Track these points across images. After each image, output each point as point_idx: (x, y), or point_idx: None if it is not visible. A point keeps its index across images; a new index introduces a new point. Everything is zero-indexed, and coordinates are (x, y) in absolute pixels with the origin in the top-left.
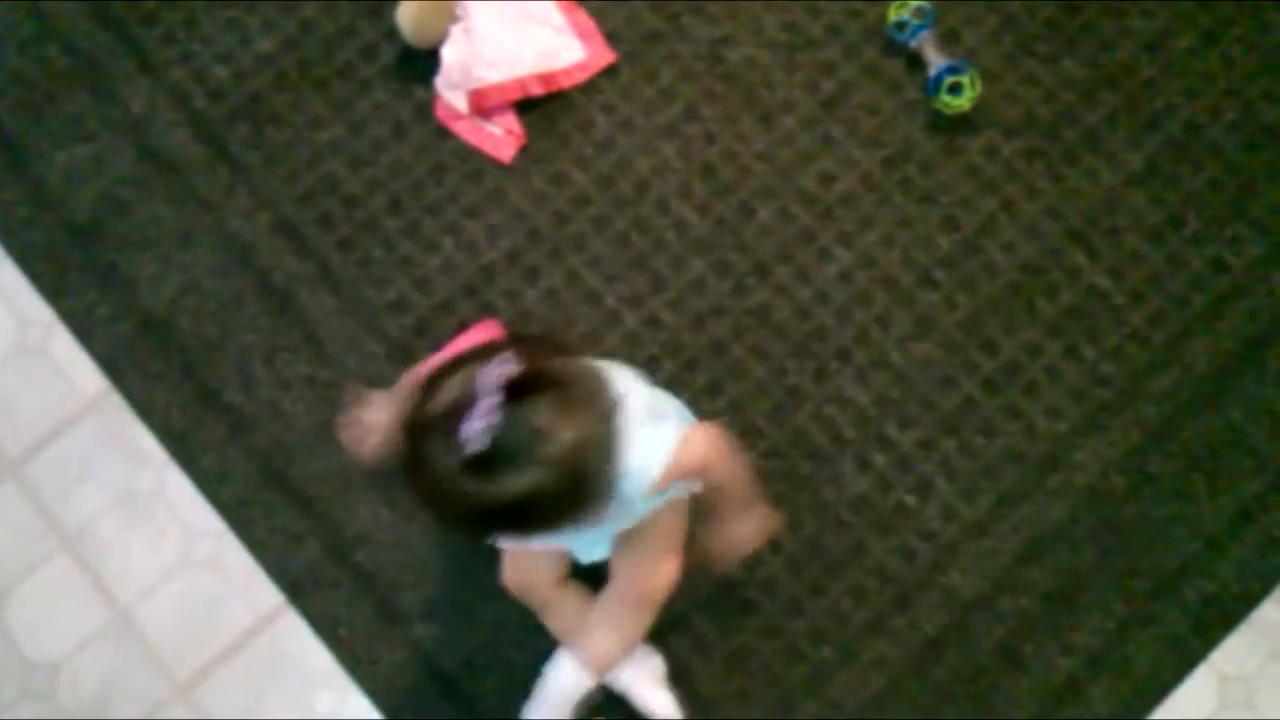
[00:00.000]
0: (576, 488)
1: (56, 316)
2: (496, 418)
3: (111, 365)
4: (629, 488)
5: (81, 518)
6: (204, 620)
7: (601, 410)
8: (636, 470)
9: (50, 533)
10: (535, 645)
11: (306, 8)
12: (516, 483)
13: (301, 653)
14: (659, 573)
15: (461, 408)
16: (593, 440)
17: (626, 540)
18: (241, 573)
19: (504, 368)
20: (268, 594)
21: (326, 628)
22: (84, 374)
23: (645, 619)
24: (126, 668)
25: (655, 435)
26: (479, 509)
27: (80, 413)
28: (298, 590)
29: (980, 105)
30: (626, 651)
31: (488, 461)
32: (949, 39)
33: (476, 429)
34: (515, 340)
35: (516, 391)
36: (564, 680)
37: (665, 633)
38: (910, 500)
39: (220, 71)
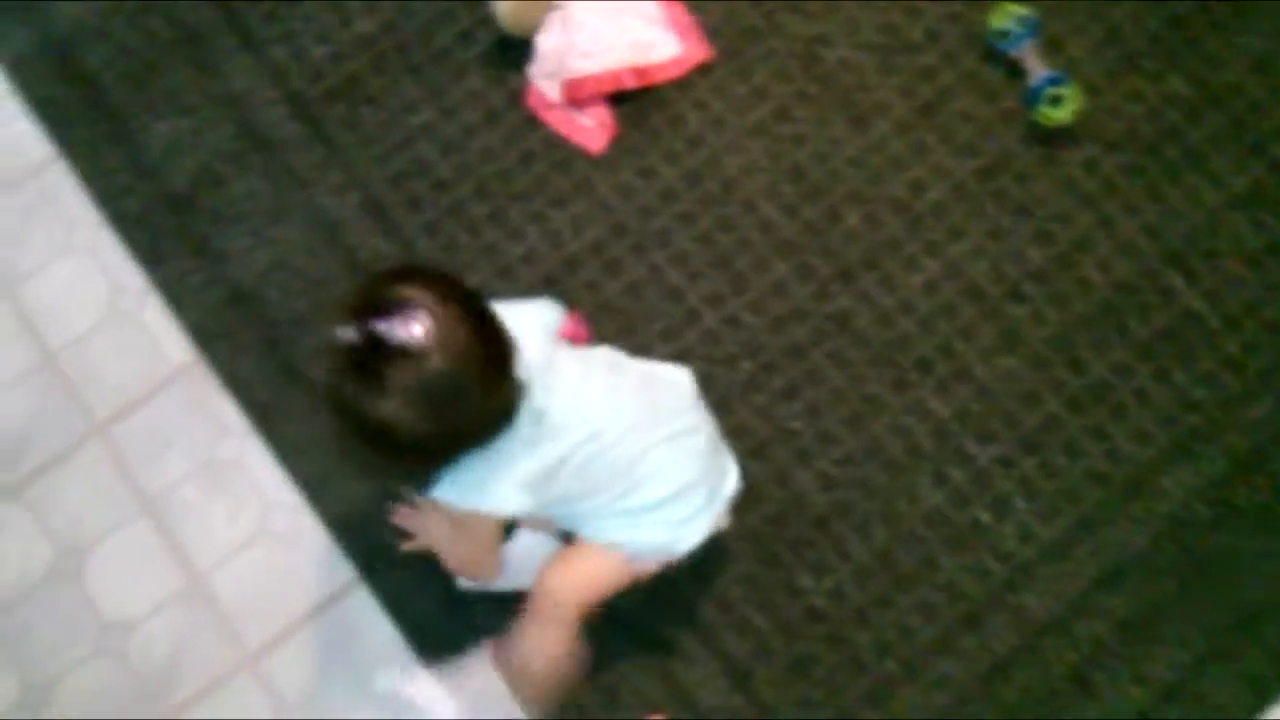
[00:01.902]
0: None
1: (150, 284)
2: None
3: (201, 334)
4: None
5: (164, 483)
6: (276, 591)
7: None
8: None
9: (132, 496)
10: (601, 641)
11: None
12: (381, 399)
13: (369, 629)
14: (556, 599)
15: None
16: (443, 389)
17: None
18: (316, 547)
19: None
20: (340, 569)
21: (395, 606)
22: (173, 342)
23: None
24: (198, 633)
25: (487, 480)
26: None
27: (168, 380)
28: (370, 567)
29: (1081, 118)
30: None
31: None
32: (1052, 49)
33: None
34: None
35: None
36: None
37: (727, 634)
38: (986, 518)
39: (319, 51)
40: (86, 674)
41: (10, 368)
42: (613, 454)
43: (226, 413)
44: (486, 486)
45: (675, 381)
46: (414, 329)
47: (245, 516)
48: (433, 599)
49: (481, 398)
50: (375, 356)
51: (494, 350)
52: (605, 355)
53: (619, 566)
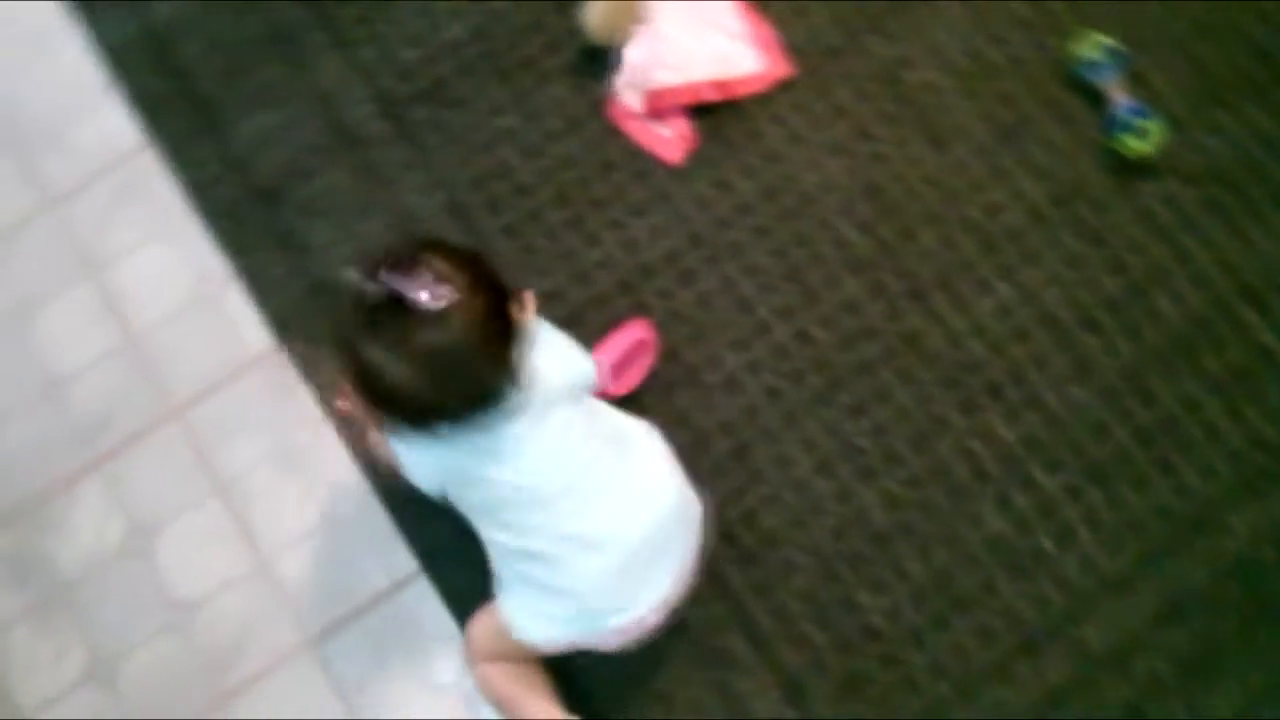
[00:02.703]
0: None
1: (233, 273)
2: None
3: (281, 324)
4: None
5: (237, 467)
6: (340, 578)
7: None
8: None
9: (206, 478)
10: (656, 646)
11: None
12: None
13: (430, 621)
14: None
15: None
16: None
17: None
18: (381, 536)
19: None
20: (404, 560)
21: (455, 599)
22: (253, 330)
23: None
24: (263, 614)
25: (418, 451)
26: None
27: (247, 366)
28: (432, 560)
29: (1162, 150)
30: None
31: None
32: (1136, 81)
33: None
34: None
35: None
36: None
37: (783, 646)
38: (1049, 546)
39: (409, 54)
40: (153, 649)
41: (93, 348)
42: (532, 514)
43: (302, 401)
44: (413, 456)
45: (656, 492)
46: (436, 295)
47: (314, 503)
48: (492, 594)
49: (476, 378)
50: (391, 313)
51: (499, 334)
52: (609, 432)
53: (502, 630)
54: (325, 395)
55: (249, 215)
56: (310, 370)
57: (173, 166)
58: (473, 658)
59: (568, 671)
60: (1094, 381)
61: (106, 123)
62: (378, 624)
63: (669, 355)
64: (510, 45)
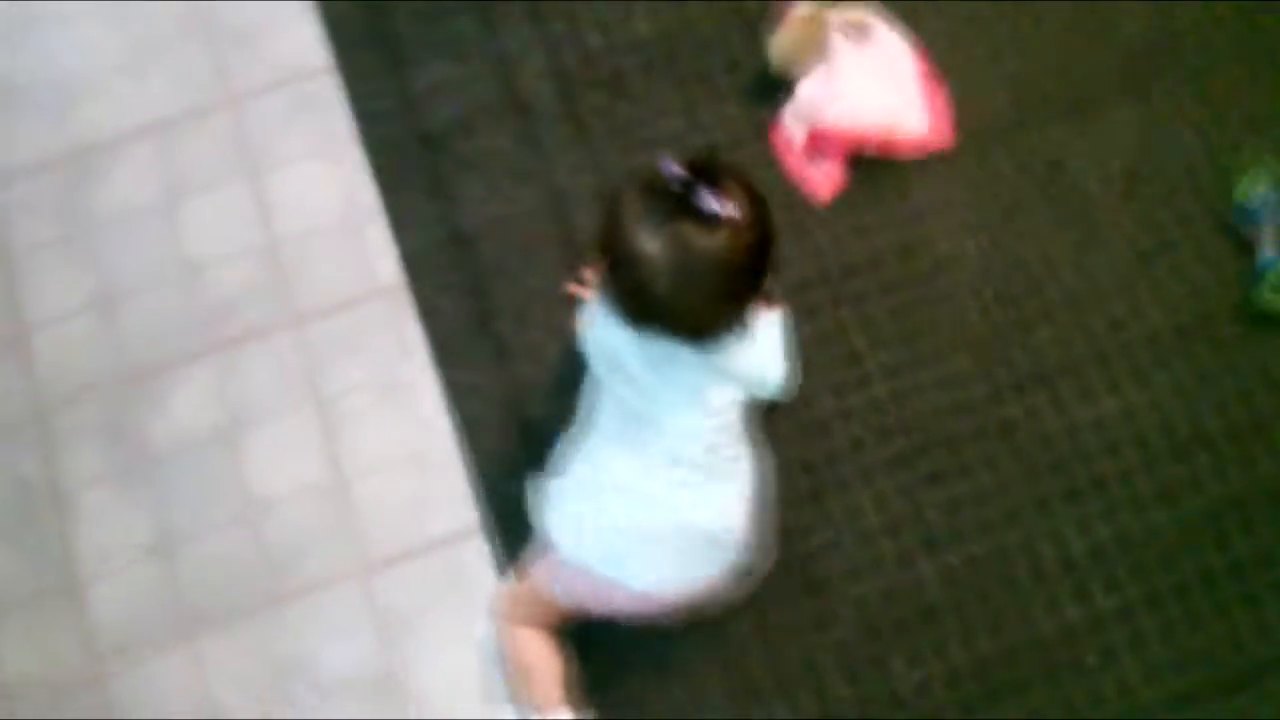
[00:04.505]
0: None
1: (381, 206)
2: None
3: (413, 264)
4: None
5: (339, 386)
6: (407, 515)
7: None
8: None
9: (307, 388)
10: (684, 668)
11: (691, 7)
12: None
13: (481, 577)
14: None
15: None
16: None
17: None
18: (456, 485)
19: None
20: (470, 512)
21: (513, 563)
22: (386, 263)
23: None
24: (327, 531)
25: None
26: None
27: (371, 295)
28: (499, 520)
29: None
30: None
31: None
32: None
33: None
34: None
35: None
36: None
37: (805, 693)
38: (1091, 662)
39: (596, 40)
40: (218, 538)
41: (234, 243)
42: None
43: (414, 340)
44: (601, 327)
45: (694, 511)
46: (723, 207)
47: (401, 438)
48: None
49: (709, 298)
50: (675, 202)
51: (749, 273)
52: (723, 441)
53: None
54: (436, 337)
55: (409, 155)
56: (429, 313)
57: (349, 93)
58: (503, 617)
59: (586, 659)
60: (1174, 511)
61: (298, 38)
62: (432, 568)
63: None
64: (693, 55)
